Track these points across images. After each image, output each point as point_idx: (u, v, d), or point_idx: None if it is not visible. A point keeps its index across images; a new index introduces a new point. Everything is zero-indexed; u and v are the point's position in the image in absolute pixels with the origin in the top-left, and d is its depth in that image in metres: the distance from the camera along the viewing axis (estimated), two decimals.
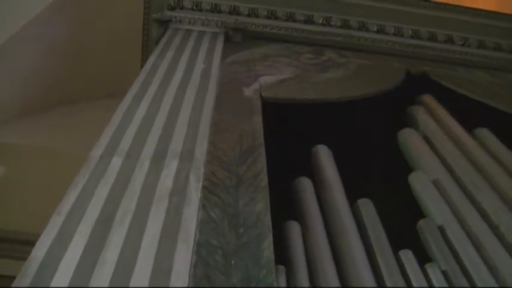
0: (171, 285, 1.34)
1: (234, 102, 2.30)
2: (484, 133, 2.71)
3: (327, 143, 2.46)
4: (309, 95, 2.59)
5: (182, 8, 3.23)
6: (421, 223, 2.09)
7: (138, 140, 1.90)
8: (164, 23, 3.17)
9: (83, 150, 1.92)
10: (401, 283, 1.75)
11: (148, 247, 1.44)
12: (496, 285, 1.78)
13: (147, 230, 1.50)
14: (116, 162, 1.76)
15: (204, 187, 1.68)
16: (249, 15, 3.27)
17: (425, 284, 1.76)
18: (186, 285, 1.34)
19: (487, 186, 2.28)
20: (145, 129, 1.97)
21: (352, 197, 2.15)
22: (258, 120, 2.15)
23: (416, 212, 2.21)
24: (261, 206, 1.67)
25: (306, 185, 2.20)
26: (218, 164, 1.82)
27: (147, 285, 1.32)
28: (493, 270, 1.86)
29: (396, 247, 1.92)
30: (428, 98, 2.95)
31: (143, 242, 1.46)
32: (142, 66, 3.00)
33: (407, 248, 1.91)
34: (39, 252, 1.35)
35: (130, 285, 1.31)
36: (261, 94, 2.43)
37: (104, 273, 1.33)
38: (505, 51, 3.50)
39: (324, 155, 2.40)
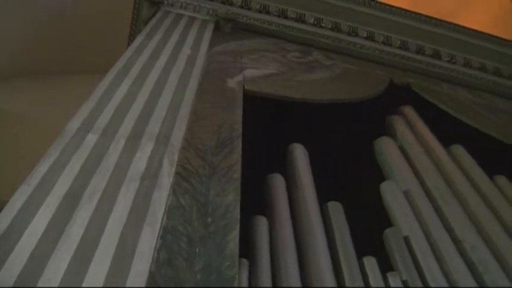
0: (132, 268, 1.34)
1: (216, 91, 2.29)
2: (459, 150, 2.74)
3: (304, 142, 2.47)
4: (291, 93, 2.60)
5: None
6: (388, 232, 2.11)
7: (115, 118, 1.89)
8: (155, 4, 3.14)
9: (60, 122, 1.90)
10: None
11: (114, 227, 1.43)
12: None
13: (114, 209, 1.49)
14: (91, 139, 1.75)
15: (176, 173, 1.68)
16: (241, 7, 3.26)
17: None
18: (147, 268, 1.34)
19: (456, 202, 2.31)
20: (124, 109, 1.95)
21: (323, 199, 2.16)
22: (238, 112, 2.15)
23: (385, 220, 2.22)
24: (232, 197, 1.68)
25: (278, 181, 2.21)
26: (193, 152, 1.82)
27: (109, 265, 1.31)
28: (452, 284, 1.88)
29: (361, 253, 1.94)
30: (408, 110, 2.98)
31: (109, 221, 1.45)
32: (129, 44, 2.98)
33: (372, 254, 1.93)
34: (4, 220, 1.34)
35: (92, 263, 1.31)
36: (244, 87, 2.42)
37: (67, 247, 1.32)
38: (490, 72, 3.54)
39: (299, 154, 2.40)
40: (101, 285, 1.25)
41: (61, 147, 1.67)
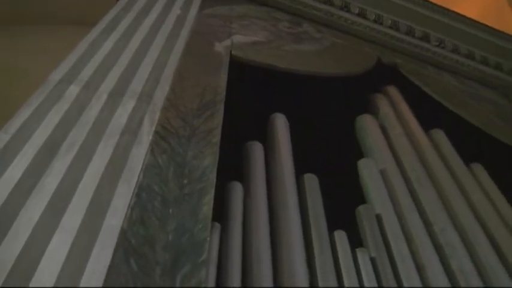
0: (105, 222, 1.34)
1: (203, 54, 2.28)
2: (439, 135, 2.77)
3: (286, 113, 2.47)
4: (277, 62, 2.58)
5: None
6: (361, 209, 2.13)
7: (99, 72, 1.87)
8: None
9: (44, 72, 1.88)
10: (330, 262, 1.78)
11: (89, 180, 1.43)
12: (420, 283, 1.83)
13: (91, 163, 1.49)
14: (73, 90, 1.73)
15: (156, 132, 1.68)
16: None
17: (352, 267, 1.80)
18: (120, 224, 1.34)
19: (430, 186, 2.33)
20: (108, 64, 1.93)
21: (299, 171, 2.17)
22: (223, 77, 2.14)
23: (360, 197, 2.25)
24: (209, 161, 1.68)
25: (256, 149, 2.21)
26: (175, 112, 1.81)
27: (82, 217, 1.31)
28: (419, 266, 1.91)
29: (333, 227, 1.96)
30: (393, 90, 2.99)
31: (85, 174, 1.45)
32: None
33: (344, 229, 1.95)
34: None
35: (65, 215, 1.31)
36: (231, 52, 2.41)
37: (40, 198, 1.32)
38: (477, 61, 3.55)
39: (280, 124, 2.41)
40: (73, 237, 1.26)
41: (42, 97, 1.65)
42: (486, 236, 2.16)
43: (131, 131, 1.64)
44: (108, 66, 1.92)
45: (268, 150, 2.24)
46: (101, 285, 1.19)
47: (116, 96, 1.77)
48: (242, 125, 2.29)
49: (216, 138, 1.78)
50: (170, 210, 1.46)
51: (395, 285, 1.80)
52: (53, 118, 1.59)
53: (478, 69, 3.52)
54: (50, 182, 1.38)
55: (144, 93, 1.83)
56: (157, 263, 1.33)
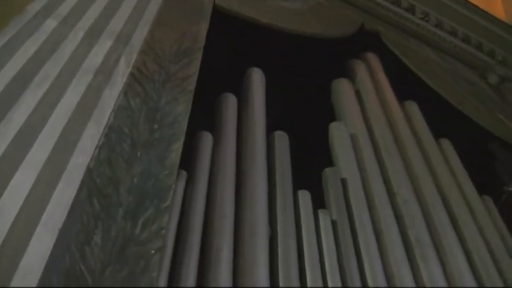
0: (72, 160, 1.34)
1: (186, 0, 2.24)
2: (412, 107, 2.79)
3: (263, 69, 2.46)
4: (259, 16, 2.55)
5: None
6: (327, 171, 2.15)
7: (79, 8, 1.83)
8: None
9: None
10: (291, 220, 1.80)
11: (59, 117, 1.42)
12: (376, 249, 1.87)
13: (63, 99, 1.48)
14: (50, 24, 1.70)
15: (131, 74, 1.66)
16: None
17: (312, 227, 1.82)
18: (86, 163, 1.34)
19: (398, 156, 2.36)
20: (88, 1, 1.89)
21: (271, 127, 2.18)
22: (204, 25, 2.12)
23: (328, 159, 2.26)
24: (182, 108, 1.67)
25: (230, 101, 2.20)
26: (152, 56, 1.79)
27: (48, 154, 1.30)
28: (378, 233, 1.95)
29: (298, 186, 1.98)
30: (372, 57, 2.98)
31: (56, 110, 1.44)
32: None
33: (309, 190, 1.97)
34: None
35: (31, 150, 1.30)
36: (214, 1, 2.38)
37: (7, 131, 1.31)
38: (459, 38, 3.55)
39: (256, 79, 2.39)
40: (37, 172, 1.25)
41: (18, 27, 1.62)
42: (446, 209, 2.21)
43: (106, 71, 1.62)
44: (87, 3, 1.88)
45: (241, 104, 2.23)
46: (62, 221, 1.20)
47: (94, 34, 1.75)
48: (218, 76, 2.27)
49: (191, 86, 1.77)
50: (138, 154, 1.46)
51: (353, 249, 1.84)
52: (27, 50, 1.56)
53: (460, 47, 3.52)
54: (19, 115, 1.36)
55: (123, 34, 1.80)
56: (121, 204, 1.33)
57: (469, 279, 1.91)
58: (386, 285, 1.76)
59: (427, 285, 1.83)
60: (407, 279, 1.81)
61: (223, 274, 1.49)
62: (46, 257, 1.13)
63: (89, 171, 1.33)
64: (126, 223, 1.30)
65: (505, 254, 2.16)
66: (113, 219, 1.29)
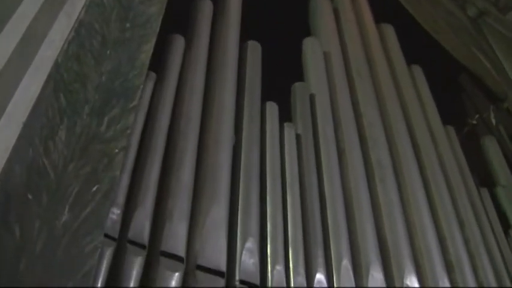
0: (40, 52, 1.31)
1: None
2: (389, 30, 2.77)
3: None
4: None
5: None
6: (297, 85, 2.15)
7: None
8: None
9: None
10: (257, 131, 1.82)
11: (28, 7, 1.37)
12: (337, 166, 1.91)
13: None
14: None
15: None
16: None
17: (277, 139, 1.85)
18: (55, 56, 1.31)
19: (369, 78, 2.37)
20: None
21: (245, 37, 2.15)
22: None
23: (299, 74, 2.26)
24: (156, 9, 1.64)
25: (205, 7, 2.14)
26: None
27: (15, 45, 1.27)
28: (340, 151, 1.99)
29: (267, 98, 1.98)
30: None
31: (24, 0, 1.39)
32: None
33: (277, 103, 1.98)
34: None
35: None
36: None
37: None
38: None
39: None
40: (3, 64, 1.22)
41: None
42: (409, 135, 2.25)
43: None
44: None
45: (217, 10, 2.18)
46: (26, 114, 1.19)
47: None
48: None
49: None
50: (108, 52, 1.44)
51: (314, 164, 1.87)
52: None
53: None
54: None
55: None
56: (87, 101, 1.33)
57: (423, 204, 1.97)
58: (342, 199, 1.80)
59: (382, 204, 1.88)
60: (363, 197, 1.86)
61: (186, 176, 1.51)
62: (9, 148, 1.13)
63: (56, 65, 1.31)
64: (92, 120, 1.30)
65: (461, 182, 2.22)
66: (79, 116, 1.29)
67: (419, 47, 2.81)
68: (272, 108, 1.94)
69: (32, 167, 1.15)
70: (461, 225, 2.01)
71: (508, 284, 1.93)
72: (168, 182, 1.48)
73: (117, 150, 1.28)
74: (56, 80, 1.30)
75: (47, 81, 1.27)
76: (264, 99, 1.97)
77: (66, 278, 1.03)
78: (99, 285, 1.17)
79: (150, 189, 1.42)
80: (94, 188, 1.19)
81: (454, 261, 1.85)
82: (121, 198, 1.34)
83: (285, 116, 1.98)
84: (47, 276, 1.02)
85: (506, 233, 2.19)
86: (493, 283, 1.86)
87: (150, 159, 1.47)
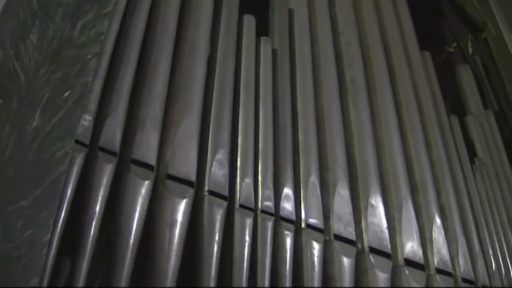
0: None
1: None
2: None
3: None
4: None
5: None
6: None
7: None
8: None
9: None
10: (233, 43, 1.80)
11: None
12: (312, 84, 1.90)
13: None
14: None
15: None
16: None
17: (252, 53, 1.84)
18: None
19: (354, 25, 2.31)
20: None
21: None
22: None
23: None
24: None
25: None
26: None
27: None
28: (315, 68, 1.99)
29: (244, 11, 1.95)
30: None
31: None
32: None
33: (254, 16, 1.96)
34: None
35: None
36: None
37: None
38: None
39: None
40: None
41: None
42: (385, 54, 2.24)
43: None
44: None
45: None
46: None
47: None
48: None
49: None
50: None
51: (289, 80, 1.87)
52: None
53: None
54: None
55: None
56: (60, 4, 1.29)
57: (393, 126, 2.00)
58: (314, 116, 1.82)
59: (353, 124, 1.90)
60: (335, 115, 1.88)
61: (159, 85, 1.51)
62: None
63: None
64: (65, 24, 1.27)
65: (432, 107, 2.23)
66: (51, 19, 1.26)
67: None
68: (249, 21, 1.91)
69: (2, 71, 1.14)
70: (429, 149, 2.04)
71: (467, 204, 1.99)
72: (141, 91, 1.48)
73: (90, 56, 1.26)
74: None
75: None
76: (242, 12, 1.94)
77: (36, 183, 1.04)
78: (69, 191, 1.18)
79: (122, 97, 1.41)
80: (66, 94, 1.18)
81: (419, 183, 1.89)
82: (93, 105, 1.33)
83: (262, 30, 1.96)
84: (17, 180, 1.03)
85: (471, 161, 2.24)
86: (455, 208, 1.92)
87: (123, 67, 1.45)
